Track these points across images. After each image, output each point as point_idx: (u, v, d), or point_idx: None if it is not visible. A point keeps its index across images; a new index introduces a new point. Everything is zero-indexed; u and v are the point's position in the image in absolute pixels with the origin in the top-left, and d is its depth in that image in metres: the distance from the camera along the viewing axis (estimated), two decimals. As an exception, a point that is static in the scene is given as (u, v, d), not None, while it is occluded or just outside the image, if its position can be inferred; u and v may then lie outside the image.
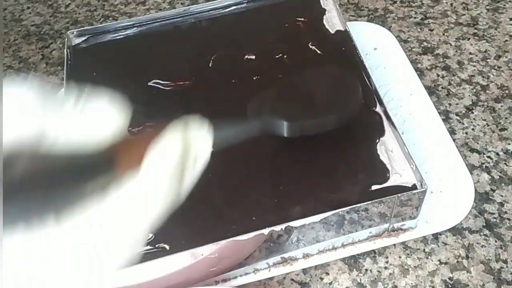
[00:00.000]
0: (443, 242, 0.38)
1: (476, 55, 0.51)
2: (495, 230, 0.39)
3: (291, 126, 0.34)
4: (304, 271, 0.38)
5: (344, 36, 0.45)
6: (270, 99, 0.37)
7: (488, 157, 0.43)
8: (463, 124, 0.46)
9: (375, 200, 0.34)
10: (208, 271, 0.35)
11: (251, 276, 0.37)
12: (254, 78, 0.44)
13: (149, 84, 0.45)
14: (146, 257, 0.33)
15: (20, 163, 0.18)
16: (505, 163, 0.43)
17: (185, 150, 0.22)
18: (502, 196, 0.41)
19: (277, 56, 0.45)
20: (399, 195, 0.34)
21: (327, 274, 0.38)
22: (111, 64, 0.47)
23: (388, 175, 0.36)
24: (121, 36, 0.49)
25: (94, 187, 0.19)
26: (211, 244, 0.33)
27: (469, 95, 0.48)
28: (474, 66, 0.50)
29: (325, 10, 0.48)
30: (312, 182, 0.36)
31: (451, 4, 0.57)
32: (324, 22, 0.47)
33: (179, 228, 0.35)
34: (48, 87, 0.20)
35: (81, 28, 0.49)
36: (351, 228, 0.36)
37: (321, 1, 0.49)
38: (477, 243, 0.38)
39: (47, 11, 0.65)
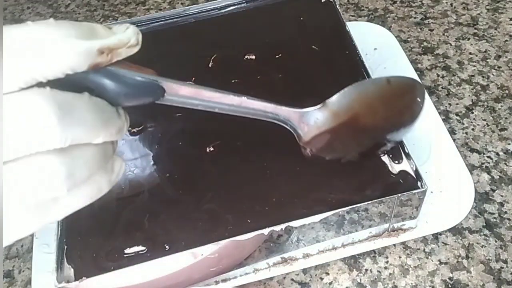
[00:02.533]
0: (443, 242, 0.38)
1: (476, 55, 0.51)
2: (495, 230, 0.39)
3: None
4: (304, 271, 0.38)
5: (344, 36, 0.45)
6: None
7: (488, 157, 0.43)
8: (463, 124, 0.46)
9: (375, 200, 0.34)
10: (208, 271, 0.35)
11: (251, 276, 0.37)
12: (254, 78, 0.44)
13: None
14: (146, 257, 0.33)
15: None
16: (505, 163, 0.43)
17: None
18: (502, 196, 0.41)
19: (277, 56, 0.45)
20: (399, 195, 0.34)
21: (327, 274, 0.38)
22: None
23: (388, 175, 0.36)
24: (121, 36, 0.49)
25: None
26: (211, 244, 0.33)
27: (469, 95, 0.48)
28: (474, 66, 0.50)
29: (324, 9, 0.48)
30: (312, 182, 0.36)
31: (451, 4, 0.57)
32: (324, 21, 0.47)
33: (179, 228, 0.35)
34: None
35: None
36: (351, 228, 0.36)
37: (321, 0, 0.49)
38: (477, 243, 0.38)
39: (47, 11, 0.65)
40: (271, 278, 0.38)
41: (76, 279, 0.33)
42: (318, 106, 0.33)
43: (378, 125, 0.35)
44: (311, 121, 0.33)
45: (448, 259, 0.38)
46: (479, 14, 0.55)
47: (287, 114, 0.33)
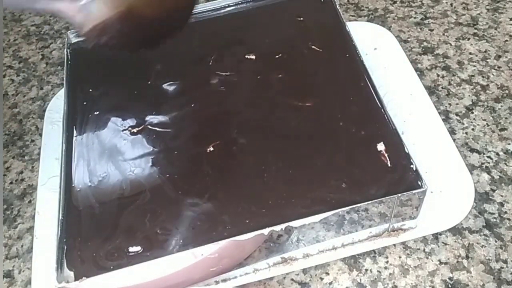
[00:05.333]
0: (443, 242, 0.38)
1: (476, 55, 0.51)
2: (495, 230, 0.39)
3: None
4: (304, 271, 0.38)
5: (344, 36, 0.45)
6: None
7: (488, 157, 0.43)
8: (463, 124, 0.46)
9: (375, 200, 0.34)
10: (208, 271, 0.35)
11: (251, 276, 0.37)
12: (254, 78, 0.44)
13: (148, 83, 0.45)
14: (146, 257, 0.33)
15: None
16: (505, 163, 0.43)
17: None
18: (502, 196, 0.41)
19: (277, 56, 0.45)
20: (399, 195, 0.34)
21: (327, 274, 0.38)
22: (111, 64, 0.47)
23: (388, 175, 0.36)
24: (121, 36, 0.49)
25: None
26: (211, 244, 0.33)
27: (469, 95, 0.48)
28: (474, 66, 0.50)
29: (324, 9, 0.48)
30: (312, 182, 0.36)
31: (451, 4, 0.57)
32: (324, 21, 0.48)
33: (179, 228, 0.35)
34: None
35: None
36: (351, 228, 0.36)
37: (321, 0, 0.49)
38: (477, 243, 0.38)
39: (47, 11, 0.65)
40: (271, 278, 0.38)
41: (76, 279, 0.33)
42: None
43: (157, 13, 0.36)
44: (86, 11, 0.34)
45: (448, 259, 0.38)
46: (479, 14, 0.55)
47: (60, 6, 0.34)
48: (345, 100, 0.41)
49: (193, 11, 0.40)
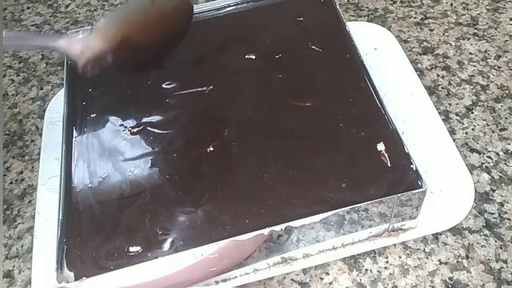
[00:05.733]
0: (443, 242, 0.38)
1: (476, 55, 0.51)
2: (495, 230, 0.39)
3: None
4: (304, 271, 0.38)
5: (344, 36, 0.45)
6: None
7: (488, 157, 0.43)
8: (463, 124, 0.46)
9: (375, 200, 0.34)
10: (208, 271, 0.35)
11: (251, 276, 0.37)
12: (254, 78, 0.44)
13: (148, 83, 0.45)
14: (146, 257, 0.33)
15: None
16: (505, 163, 0.43)
17: None
18: (502, 196, 0.41)
19: (277, 56, 0.45)
20: (399, 195, 0.34)
21: (327, 274, 0.38)
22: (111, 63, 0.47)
23: (388, 175, 0.36)
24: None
25: None
26: (211, 244, 0.33)
27: (469, 95, 0.48)
28: (474, 66, 0.50)
29: (324, 9, 0.48)
30: (312, 182, 0.36)
31: (451, 4, 0.57)
32: (324, 21, 0.48)
33: (179, 228, 0.35)
34: None
35: (81, 28, 0.49)
36: (351, 228, 0.36)
37: (321, 0, 0.49)
38: (477, 243, 0.38)
39: (47, 11, 0.65)
40: (271, 278, 0.38)
41: (76, 279, 0.33)
42: (87, 31, 0.38)
43: (153, 41, 0.39)
44: (84, 44, 0.36)
45: (448, 259, 0.38)
46: (479, 14, 0.55)
47: (56, 42, 0.36)
48: (345, 100, 0.41)
49: (188, 27, 0.41)
